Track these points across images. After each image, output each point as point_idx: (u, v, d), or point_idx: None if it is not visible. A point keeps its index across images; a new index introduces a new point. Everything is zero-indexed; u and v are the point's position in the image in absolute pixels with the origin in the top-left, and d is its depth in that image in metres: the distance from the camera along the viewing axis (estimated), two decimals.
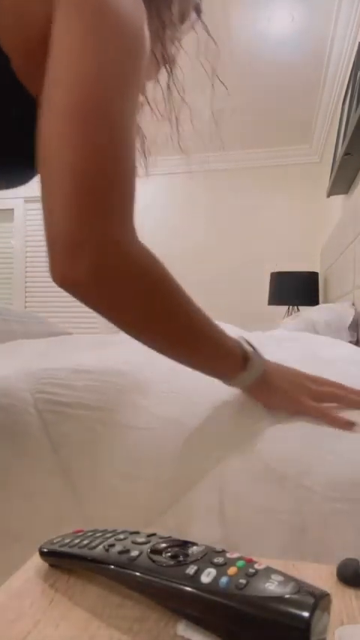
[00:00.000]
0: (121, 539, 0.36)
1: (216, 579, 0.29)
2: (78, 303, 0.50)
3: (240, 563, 0.30)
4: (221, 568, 0.30)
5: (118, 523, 0.55)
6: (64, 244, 0.45)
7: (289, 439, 0.56)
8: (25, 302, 4.04)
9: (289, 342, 1.41)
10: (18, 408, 0.70)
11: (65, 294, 0.48)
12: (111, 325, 0.51)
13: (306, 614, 0.26)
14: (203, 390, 0.74)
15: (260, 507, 0.51)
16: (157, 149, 0.86)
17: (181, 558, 0.32)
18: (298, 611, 0.26)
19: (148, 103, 0.77)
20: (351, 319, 1.80)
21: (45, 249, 0.46)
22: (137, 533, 0.37)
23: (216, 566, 0.30)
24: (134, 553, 0.33)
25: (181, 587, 0.29)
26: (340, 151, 1.85)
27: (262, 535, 0.50)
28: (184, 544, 0.34)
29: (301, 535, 0.50)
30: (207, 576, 0.29)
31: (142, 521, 0.54)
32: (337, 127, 2.65)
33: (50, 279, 0.47)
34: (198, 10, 0.72)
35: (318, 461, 0.53)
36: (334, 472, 0.52)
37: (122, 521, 0.55)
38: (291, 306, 3.08)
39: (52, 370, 0.98)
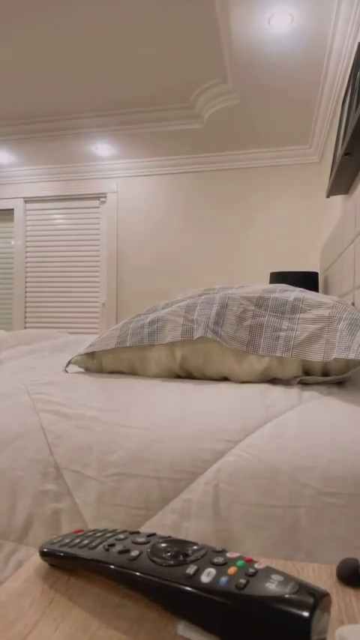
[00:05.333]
0: (121, 539, 0.36)
1: (216, 579, 0.29)
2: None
3: (240, 562, 0.30)
4: (221, 568, 0.30)
5: (114, 521, 0.55)
6: None
7: (284, 435, 0.56)
8: (26, 302, 4.05)
9: None
10: (17, 409, 0.70)
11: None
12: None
13: (306, 613, 0.25)
14: (198, 390, 0.74)
15: (254, 503, 0.52)
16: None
17: (181, 558, 0.32)
18: (298, 611, 0.26)
19: None
20: None
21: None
22: (137, 533, 0.37)
23: (216, 565, 0.30)
24: (134, 553, 0.33)
25: (181, 586, 0.29)
26: (340, 151, 1.85)
27: (255, 530, 0.51)
28: (184, 544, 0.34)
29: (295, 530, 0.50)
30: (207, 576, 0.29)
31: (138, 519, 0.54)
32: (337, 127, 2.65)
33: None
34: None
35: (312, 457, 0.53)
36: (329, 468, 0.52)
37: (118, 519, 0.55)
38: None
39: (50, 371, 0.98)
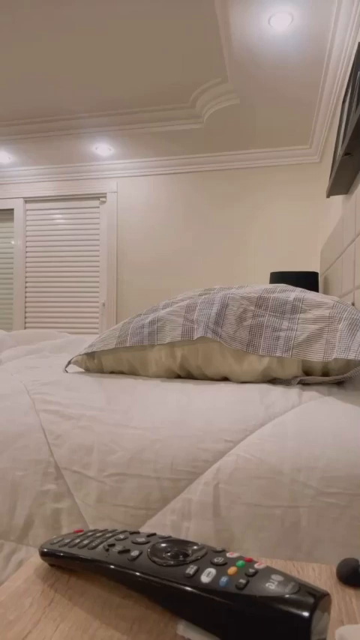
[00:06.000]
0: (121, 539, 0.36)
1: (216, 579, 0.29)
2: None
3: (240, 562, 0.30)
4: (221, 568, 0.30)
5: (114, 521, 0.55)
6: None
7: (284, 435, 0.56)
8: (26, 302, 4.05)
9: None
10: (17, 410, 0.70)
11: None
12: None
13: (306, 613, 0.25)
14: (198, 390, 0.74)
15: (254, 503, 0.52)
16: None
17: (181, 558, 0.32)
18: (298, 611, 0.26)
19: None
20: None
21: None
22: (137, 533, 0.37)
23: (216, 565, 0.30)
24: (134, 553, 0.33)
25: (181, 587, 0.29)
26: (340, 151, 1.85)
27: (256, 530, 0.51)
28: (184, 544, 0.34)
29: (295, 530, 0.50)
30: (207, 576, 0.29)
31: (138, 519, 0.54)
32: (337, 127, 2.65)
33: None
34: None
35: (313, 457, 0.53)
36: (329, 468, 0.52)
37: (118, 519, 0.55)
38: None
39: (50, 372, 0.98)
